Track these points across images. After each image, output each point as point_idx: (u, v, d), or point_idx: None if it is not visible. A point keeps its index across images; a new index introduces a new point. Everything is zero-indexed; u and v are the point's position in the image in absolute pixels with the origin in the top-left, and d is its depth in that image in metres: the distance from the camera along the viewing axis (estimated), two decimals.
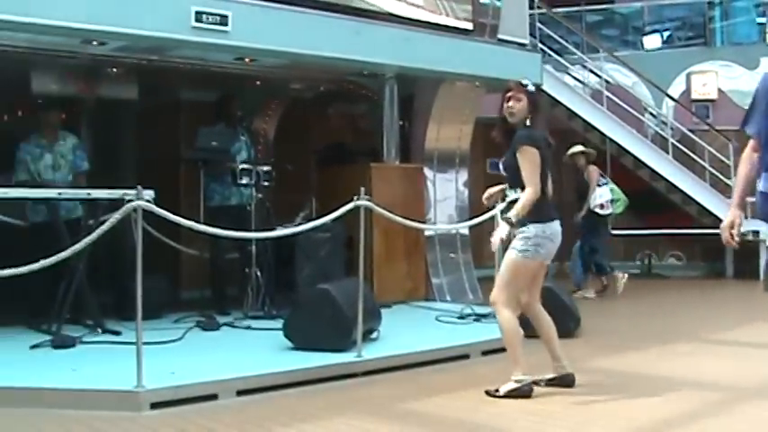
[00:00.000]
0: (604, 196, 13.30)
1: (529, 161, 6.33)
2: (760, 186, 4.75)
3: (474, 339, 8.32)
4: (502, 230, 6.32)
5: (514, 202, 6.37)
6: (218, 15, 8.54)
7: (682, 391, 6.75)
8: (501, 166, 6.59)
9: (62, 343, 7.71)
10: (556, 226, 6.48)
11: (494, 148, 16.58)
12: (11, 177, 9.25)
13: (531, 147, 6.35)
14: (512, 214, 6.30)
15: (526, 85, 6.50)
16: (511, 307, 6.44)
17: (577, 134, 16.94)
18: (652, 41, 19.73)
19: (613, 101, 16.52)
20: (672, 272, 17.60)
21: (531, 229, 6.33)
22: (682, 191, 16.35)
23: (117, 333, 8.23)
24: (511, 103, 6.47)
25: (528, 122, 6.45)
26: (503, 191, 6.80)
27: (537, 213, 6.35)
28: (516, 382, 6.37)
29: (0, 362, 7.17)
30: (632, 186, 16.70)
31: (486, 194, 7.05)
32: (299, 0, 9.32)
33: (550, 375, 6.72)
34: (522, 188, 6.32)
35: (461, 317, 9.51)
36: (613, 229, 17.05)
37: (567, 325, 9.20)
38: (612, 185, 13.66)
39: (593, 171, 13.41)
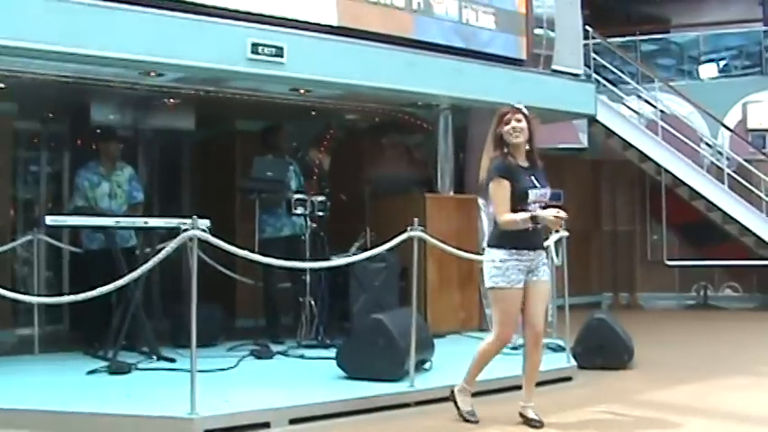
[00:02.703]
0: None
1: None
2: None
3: None
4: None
5: (540, 229, 6.52)
6: (274, 47, 8.62)
7: (736, 426, 6.70)
8: (546, 192, 6.54)
9: (118, 369, 7.80)
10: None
11: (548, 178, 16.53)
12: (69, 204, 9.42)
13: None
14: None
15: (520, 109, 6.55)
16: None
17: (632, 165, 16.89)
18: (708, 71, 19.61)
19: (669, 131, 16.40)
20: (728, 303, 17.42)
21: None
22: (738, 221, 16.14)
23: (172, 360, 8.30)
24: (514, 123, 6.46)
25: (528, 147, 6.54)
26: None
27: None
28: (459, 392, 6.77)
29: (57, 387, 7.29)
30: (688, 217, 16.63)
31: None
32: (354, 32, 9.40)
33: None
34: None
35: (514, 348, 9.45)
36: (669, 260, 17.02)
37: (621, 356, 9.16)
38: None
39: None
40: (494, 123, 6.55)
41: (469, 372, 6.71)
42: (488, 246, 6.51)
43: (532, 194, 6.35)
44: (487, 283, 6.45)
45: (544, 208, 6.38)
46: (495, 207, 6.39)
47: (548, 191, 6.49)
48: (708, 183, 16.32)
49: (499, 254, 6.35)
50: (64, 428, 6.21)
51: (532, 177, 6.43)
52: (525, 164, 6.49)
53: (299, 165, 10.79)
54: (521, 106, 6.52)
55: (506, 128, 6.43)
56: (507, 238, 6.34)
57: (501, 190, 6.33)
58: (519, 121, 6.42)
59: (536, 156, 6.53)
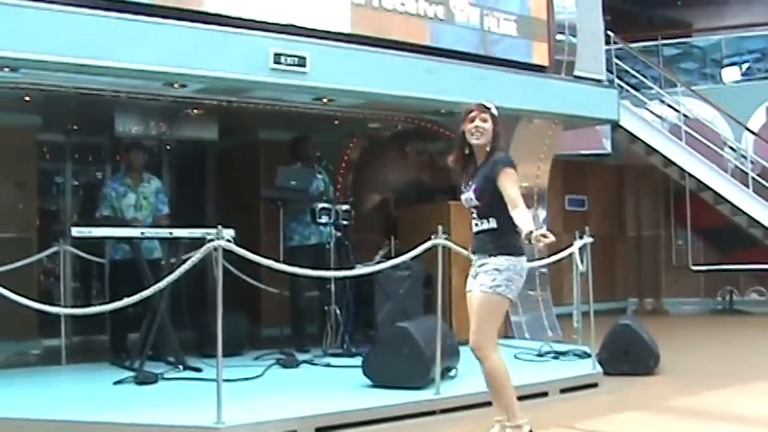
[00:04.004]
0: None
1: (514, 181, 5.87)
2: None
3: (553, 377, 8.29)
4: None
5: (485, 232, 5.94)
6: (297, 57, 8.65)
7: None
8: (470, 195, 5.97)
9: (144, 379, 7.83)
10: (524, 261, 5.96)
11: (572, 184, 16.56)
12: (95, 213, 9.49)
13: (514, 168, 5.95)
14: (530, 228, 5.59)
15: (489, 108, 6.05)
16: (496, 349, 5.99)
17: (656, 170, 16.84)
18: (731, 74, 19.51)
19: (692, 135, 16.35)
20: (754, 308, 17.27)
21: (503, 261, 5.82)
22: (763, 225, 16.04)
23: (198, 370, 8.32)
24: (477, 123, 5.95)
25: (488, 149, 5.99)
26: None
27: (507, 246, 5.86)
28: (516, 428, 5.83)
29: (84, 397, 7.35)
30: (713, 221, 16.55)
31: None
32: (375, 41, 9.42)
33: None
34: (495, 218, 5.88)
35: (540, 354, 9.47)
36: (694, 264, 16.93)
37: (647, 362, 9.13)
38: None
39: None
40: (461, 120, 6.15)
41: None
42: None
43: (463, 201, 6.11)
44: None
45: (481, 208, 5.94)
46: None
47: (470, 193, 5.98)
48: (732, 187, 16.24)
49: None
50: None
51: (470, 181, 6.03)
52: (480, 160, 6.05)
53: (327, 175, 10.82)
54: (491, 105, 6.09)
55: (469, 126, 6.00)
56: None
57: None
58: (485, 120, 5.98)
59: (493, 154, 5.99)
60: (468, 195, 5.98)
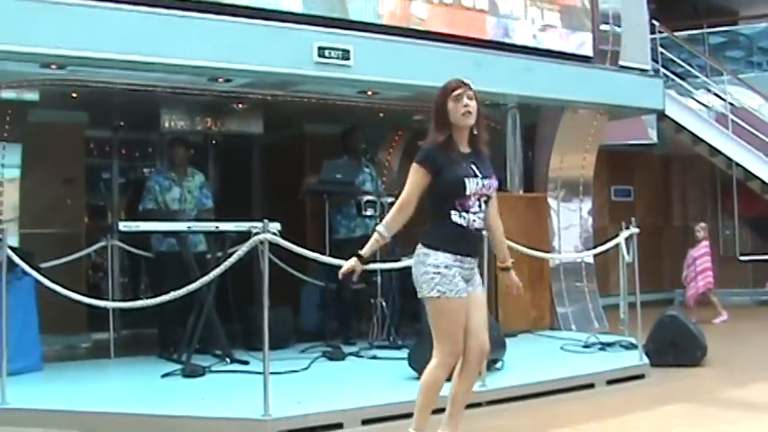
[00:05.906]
0: None
1: None
2: None
3: (599, 369, 8.25)
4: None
5: (480, 231, 5.45)
6: (341, 50, 8.67)
7: None
8: (491, 182, 5.39)
9: (192, 372, 7.89)
10: None
11: (618, 175, 16.41)
12: (139, 206, 9.58)
13: None
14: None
15: (469, 85, 5.37)
16: None
17: (703, 159, 16.70)
18: None
19: (739, 124, 16.17)
20: None
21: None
22: None
23: (245, 363, 8.37)
24: (467, 101, 5.30)
25: (475, 132, 5.42)
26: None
27: None
28: None
29: (132, 390, 7.43)
30: (760, 211, 16.38)
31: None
32: (420, 33, 9.43)
33: None
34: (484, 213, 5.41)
35: (586, 346, 9.43)
36: (741, 255, 16.75)
37: (694, 354, 9.06)
38: None
39: None
40: (438, 98, 5.45)
41: (417, 414, 5.61)
42: (426, 245, 5.47)
43: (471, 185, 5.23)
44: (427, 292, 5.45)
45: (486, 202, 5.36)
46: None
47: (493, 182, 5.37)
48: None
49: (443, 258, 5.34)
50: (139, 431, 6.31)
51: (473, 165, 5.30)
52: (467, 150, 5.40)
53: (374, 168, 10.83)
54: (470, 82, 5.38)
55: (457, 105, 5.31)
56: (450, 241, 5.34)
57: (414, 176, 5.34)
58: (471, 98, 5.32)
59: (482, 143, 5.48)
60: (488, 183, 5.34)
